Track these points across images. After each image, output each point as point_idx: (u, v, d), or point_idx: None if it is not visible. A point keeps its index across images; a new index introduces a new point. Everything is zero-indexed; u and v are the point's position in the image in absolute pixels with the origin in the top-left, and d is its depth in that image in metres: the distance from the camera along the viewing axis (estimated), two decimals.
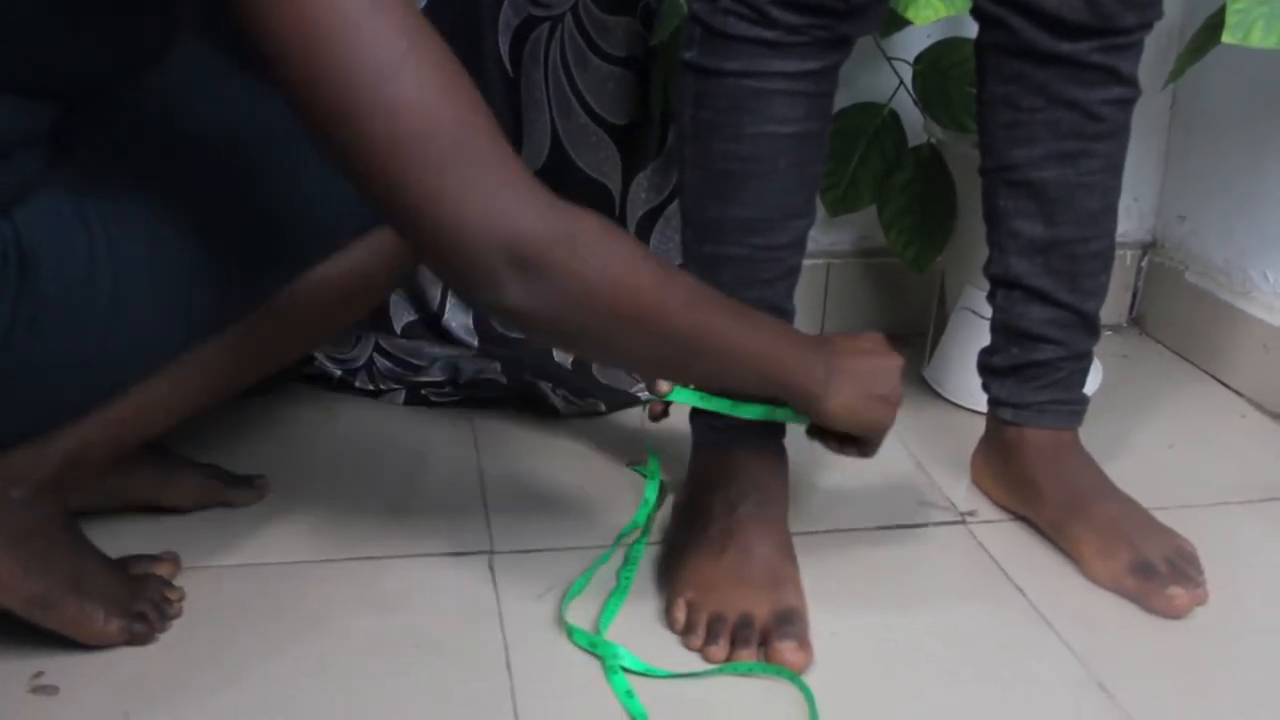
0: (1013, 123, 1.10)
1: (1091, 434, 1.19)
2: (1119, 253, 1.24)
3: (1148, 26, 1.07)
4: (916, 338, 1.56)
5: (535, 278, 0.75)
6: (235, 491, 1.16)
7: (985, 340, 1.20)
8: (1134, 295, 1.69)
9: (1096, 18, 1.03)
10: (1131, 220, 1.67)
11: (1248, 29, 1.13)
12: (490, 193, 0.73)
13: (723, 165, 1.02)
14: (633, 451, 1.30)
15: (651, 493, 1.19)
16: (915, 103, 1.45)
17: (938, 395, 1.46)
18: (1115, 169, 1.13)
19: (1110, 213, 1.14)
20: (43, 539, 0.92)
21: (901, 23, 1.21)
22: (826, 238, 1.59)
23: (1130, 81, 1.08)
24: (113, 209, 0.87)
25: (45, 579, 0.92)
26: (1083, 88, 1.07)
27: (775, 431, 1.11)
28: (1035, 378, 1.16)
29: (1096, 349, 1.18)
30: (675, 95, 1.09)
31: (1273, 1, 1.13)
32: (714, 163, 1.02)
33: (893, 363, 0.98)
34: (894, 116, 1.46)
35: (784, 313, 1.08)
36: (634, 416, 1.39)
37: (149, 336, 0.90)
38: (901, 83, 1.45)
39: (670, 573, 1.06)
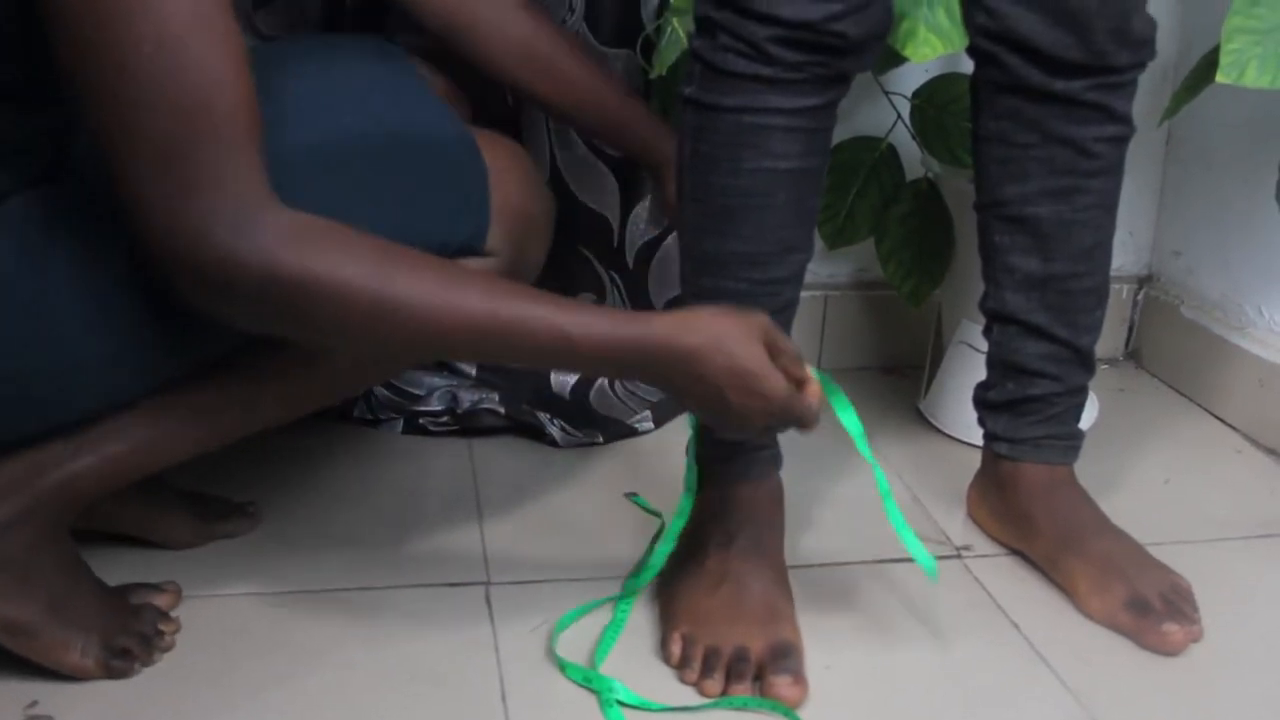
0: (1007, 159, 1.11)
1: (1087, 468, 1.19)
2: (1115, 286, 1.25)
3: (1141, 65, 1.08)
4: (913, 370, 1.57)
5: (228, 298, 0.78)
6: (228, 524, 1.16)
7: (981, 374, 1.21)
8: (1130, 329, 1.70)
9: (1090, 56, 1.04)
10: (1127, 254, 1.68)
11: (1242, 68, 1.14)
12: (196, 211, 0.76)
13: (721, 200, 1.02)
14: (631, 483, 1.30)
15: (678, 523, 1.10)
16: (913, 137, 1.46)
17: (934, 428, 1.46)
18: (1110, 206, 1.13)
19: (1105, 249, 1.15)
20: (24, 565, 0.92)
21: (899, 59, 1.22)
22: (824, 270, 1.60)
23: (1124, 119, 1.09)
24: (78, 232, 0.87)
25: (23, 606, 0.92)
26: (1077, 125, 1.08)
27: (772, 465, 1.11)
28: (1031, 413, 1.16)
29: (1092, 383, 1.19)
30: (675, 129, 1.10)
31: (1266, 42, 1.14)
32: (713, 197, 1.03)
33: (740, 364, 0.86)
34: (892, 150, 1.47)
35: None
36: (632, 447, 1.39)
37: (94, 363, 0.90)
38: (899, 117, 1.46)
39: (666, 606, 1.06)
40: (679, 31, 1.33)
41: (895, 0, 1.03)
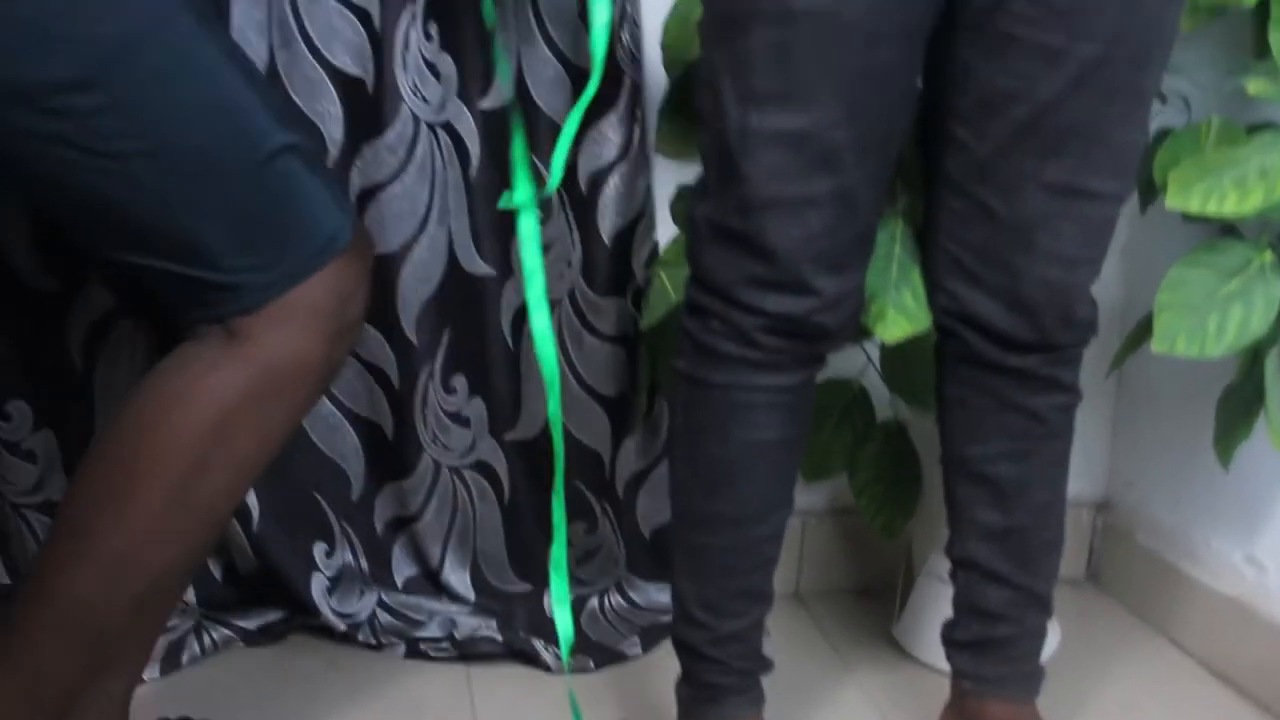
0: (969, 421, 1.22)
1: (1050, 696, 1.26)
2: (1075, 510, 1.33)
3: (1084, 343, 1.20)
4: (887, 593, 1.65)
5: None
6: None
7: (950, 603, 1.29)
8: (1090, 552, 1.79)
9: (1040, 337, 1.15)
10: (1084, 480, 1.76)
11: (1173, 340, 1.27)
12: None
13: (709, 466, 1.12)
14: (621, 706, 1.36)
15: None
16: (883, 378, 1.57)
17: (907, 655, 1.54)
18: (1062, 463, 1.24)
19: (1060, 502, 1.25)
20: None
21: (870, 334, 1.34)
22: (802, 499, 1.65)
23: (1071, 389, 1.21)
24: None
25: None
26: (1030, 394, 1.19)
27: (755, 706, 1.19)
28: (995, 652, 1.25)
29: (1055, 604, 1.26)
30: (668, 396, 1.20)
31: (1191, 316, 1.27)
32: (701, 464, 1.13)
33: None
34: (863, 392, 1.58)
35: (763, 597, 1.18)
36: (622, 672, 1.46)
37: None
38: (869, 360, 1.58)
39: None
40: (666, 285, 1.45)
41: (866, 284, 1.15)
